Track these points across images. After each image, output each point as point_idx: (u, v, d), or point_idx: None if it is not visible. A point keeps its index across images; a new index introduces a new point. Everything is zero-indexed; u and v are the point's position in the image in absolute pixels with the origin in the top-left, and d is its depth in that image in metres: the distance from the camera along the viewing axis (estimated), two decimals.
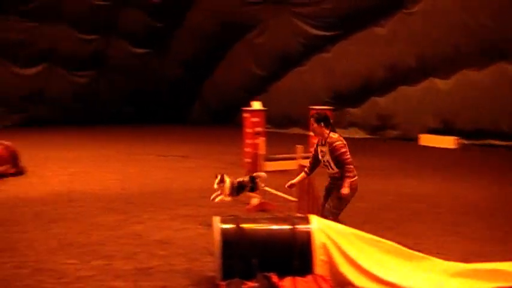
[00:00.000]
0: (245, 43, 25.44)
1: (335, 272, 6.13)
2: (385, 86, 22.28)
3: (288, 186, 8.09)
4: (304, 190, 8.74)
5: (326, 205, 7.51)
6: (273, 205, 10.25)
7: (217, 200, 9.29)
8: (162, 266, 7.24)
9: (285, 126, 24.49)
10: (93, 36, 26.41)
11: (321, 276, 6.03)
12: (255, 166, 11.09)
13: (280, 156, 12.52)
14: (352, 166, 7.31)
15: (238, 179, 9.54)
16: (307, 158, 10.48)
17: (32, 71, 25.92)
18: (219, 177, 9.30)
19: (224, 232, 6.26)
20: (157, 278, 6.84)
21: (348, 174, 7.23)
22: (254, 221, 6.70)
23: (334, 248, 6.16)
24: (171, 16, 26.46)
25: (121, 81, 27.53)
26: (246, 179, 9.62)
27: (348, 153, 7.32)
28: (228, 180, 9.29)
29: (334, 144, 7.26)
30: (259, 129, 14.71)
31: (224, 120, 27.06)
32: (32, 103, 26.11)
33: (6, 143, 14.06)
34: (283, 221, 6.60)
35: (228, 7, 24.72)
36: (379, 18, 21.88)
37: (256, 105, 15.14)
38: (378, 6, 21.52)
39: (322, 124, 7.39)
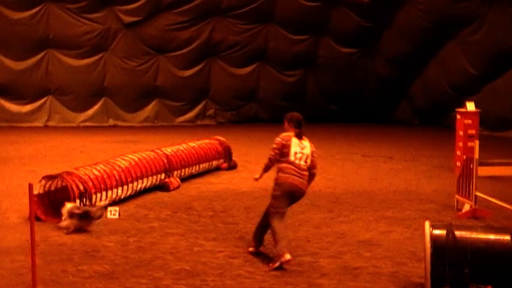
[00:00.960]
0: (458, 41, 24.34)
1: None
2: None
3: (255, 180, 8.17)
4: None
5: None
6: (486, 212, 9.69)
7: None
8: (367, 268, 7.17)
9: (500, 129, 23.01)
10: (303, 37, 26.99)
11: None
12: (466, 170, 10.55)
13: (496, 161, 11.78)
14: (269, 161, 7.84)
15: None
16: None
17: (246, 70, 27.17)
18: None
19: (435, 238, 6.03)
20: (362, 279, 6.79)
21: (263, 167, 7.92)
22: (468, 228, 6.36)
23: None
24: (380, 15, 26.19)
25: (328, 80, 27.85)
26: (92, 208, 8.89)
27: (275, 149, 7.77)
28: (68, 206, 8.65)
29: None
30: (472, 131, 13.99)
31: (432, 121, 26.16)
32: (245, 101, 27.43)
33: (221, 138, 14.87)
34: (502, 231, 6.19)
35: (440, 3, 23.84)
36: None
37: (470, 106, 14.40)
38: None
39: (291, 124, 7.95)
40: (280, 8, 25.95)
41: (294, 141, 7.73)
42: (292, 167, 7.51)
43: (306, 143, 7.79)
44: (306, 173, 7.56)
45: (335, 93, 28.00)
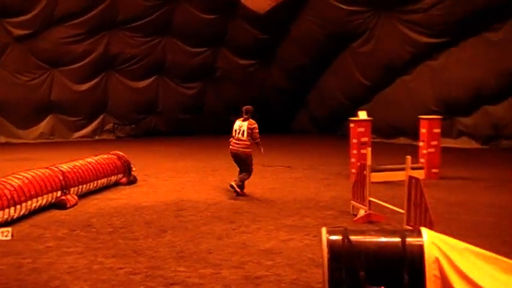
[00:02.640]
0: (350, 52, 25.20)
1: None
2: (498, 94, 21.34)
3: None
4: (412, 202, 8.52)
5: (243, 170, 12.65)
6: (380, 217, 10.06)
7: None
8: (269, 276, 7.26)
9: (391, 136, 24.00)
10: (201, 49, 27.04)
11: None
12: (361, 177, 10.92)
13: (388, 167, 12.26)
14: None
15: None
16: (417, 168, 10.23)
17: (144, 83, 26.88)
18: None
19: (332, 244, 6.18)
20: None
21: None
22: (362, 232, 6.57)
23: (447, 264, 5.92)
24: (276, 27, 26.67)
25: (227, 92, 28.03)
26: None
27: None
28: None
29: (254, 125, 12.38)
30: (365, 139, 14.51)
31: (329, 129, 26.91)
32: (144, 114, 27.12)
33: (120, 153, 14.63)
34: (393, 233, 6.43)
35: (333, 17, 24.59)
36: (492, 23, 20.98)
37: (362, 114, 14.94)
38: (491, 10, 20.62)
39: (249, 115, 12.52)
40: (177, 21, 25.88)
41: (237, 122, 12.61)
42: (233, 139, 12.53)
43: (244, 123, 12.41)
44: (242, 142, 12.36)
45: (235, 105, 28.20)
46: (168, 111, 27.37)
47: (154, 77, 26.98)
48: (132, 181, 14.28)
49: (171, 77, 27.25)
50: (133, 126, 26.99)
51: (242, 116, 12.53)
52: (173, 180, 14.77)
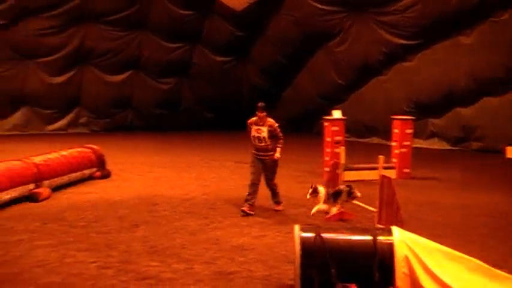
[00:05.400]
0: (326, 51, 25.30)
1: (417, 287, 5.98)
2: (469, 97, 21.59)
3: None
4: (384, 201, 8.60)
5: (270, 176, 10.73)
6: (352, 215, 10.13)
7: (313, 211, 9.38)
8: (241, 272, 7.29)
9: (364, 135, 24.18)
10: (177, 44, 26.94)
11: None
12: (333, 175, 10.99)
13: (360, 166, 12.35)
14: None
15: (335, 188, 9.91)
16: (388, 168, 10.36)
17: (120, 78, 26.69)
18: (312, 188, 9.36)
19: (304, 241, 6.23)
20: (236, 284, 6.89)
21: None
22: (334, 230, 6.63)
23: (416, 262, 6.01)
24: (252, 25, 26.66)
25: (203, 88, 27.96)
26: (343, 186, 9.92)
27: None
28: (322, 189, 9.51)
29: (275, 125, 10.53)
30: (339, 138, 14.60)
31: (304, 128, 26.97)
32: (119, 109, 26.93)
33: (94, 147, 14.54)
34: (365, 231, 6.50)
35: (309, 16, 24.65)
36: (464, 27, 21.25)
37: (337, 113, 15.03)
38: (463, 14, 20.89)
39: (266, 113, 10.56)
40: (153, 16, 25.73)
41: (253, 127, 10.76)
42: (255, 150, 10.82)
43: (263, 127, 10.57)
44: (266, 146, 10.63)
45: (211, 101, 28.15)
46: (144, 106, 27.20)
47: (130, 71, 26.79)
48: (106, 175, 14.19)
49: (147, 72, 27.08)
50: (108, 120, 26.78)
51: (256, 114, 10.68)
52: (147, 175, 14.71)
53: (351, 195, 9.68)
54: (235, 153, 19.42)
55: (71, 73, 25.79)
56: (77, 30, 25.08)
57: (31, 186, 11.39)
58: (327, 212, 9.70)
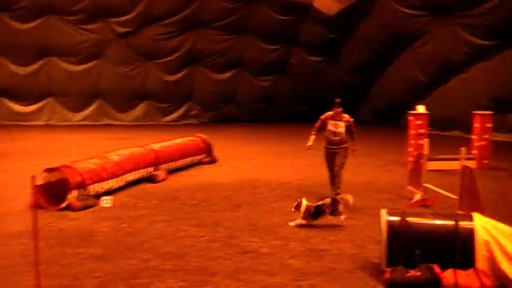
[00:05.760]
0: (411, 52, 24.58)
1: (496, 269, 5.74)
2: None
3: (308, 148, 10.15)
4: (465, 189, 8.26)
5: (337, 164, 10.00)
6: (435, 202, 9.82)
7: (292, 223, 8.35)
8: (331, 250, 7.24)
9: (446, 129, 23.31)
10: (276, 46, 27.05)
11: (482, 271, 5.68)
12: (417, 165, 10.68)
13: (443, 156, 11.93)
14: None
15: (317, 203, 8.50)
16: (470, 159, 9.92)
17: (225, 76, 27.15)
18: (296, 203, 8.43)
19: (390, 223, 6.12)
20: (327, 260, 6.85)
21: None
22: (419, 215, 6.45)
23: (495, 246, 5.77)
24: (343, 28, 26.34)
25: (298, 85, 27.96)
26: (327, 201, 8.54)
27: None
28: (304, 205, 8.35)
29: (351, 121, 10.07)
30: (422, 131, 14.16)
31: (389, 121, 26.37)
32: (224, 103, 27.40)
33: (203, 136, 14.85)
34: (447, 217, 6.29)
35: (396, 20, 24.02)
36: None
37: (421, 108, 14.57)
38: None
39: (342, 109, 9.96)
40: (255, 21, 25.95)
41: (329, 122, 10.07)
42: (329, 144, 10.26)
43: (340, 122, 10.01)
44: (341, 139, 10.08)
45: (304, 97, 28.09)
46: (246, 101, 27.56)
47: (234, 70, 27.18)
48: (213, 161, 14.47)
49: (249, 70, 27.39)
50: (215, 113, 27.31)
51: (333, 109, 10.09)
52: (249, 162, 14.87)
53: (335, 211, 8.42)
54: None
55: (184, 72, 26.49)
56: (189, 35, 25.72)
57: (150, 169, 11.79)
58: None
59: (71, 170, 9.46)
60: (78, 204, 9.07)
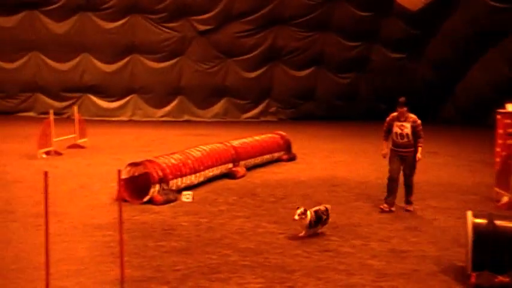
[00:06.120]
0: (499, 48, 23.50)
1: None
2: None
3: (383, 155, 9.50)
4: None
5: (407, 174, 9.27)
6: None
7: (302, 234, 7.59)
8: (413, 251, 7.06)
9: None
10: (357, 43, 26.67)
11: None
12: (505, 166, 10.20)
13: None
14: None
15: (315, 209, 7.78)
16: None
17: (304, 73, 27.06)
18: (301, 209, 7.56)
19: (476, 226, 5.88)
20: (409, 261, 6.69)
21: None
22: (507, 218, 6.16)
23: None
24: (426, 24, 25.56)
25: (378, 82, 27.43)
26: (322, 208, 7.90)
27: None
28: (309, 213, 7.55)
29: (418, 122, 9.23)
30: (511, 130, 13.49)
31: (474, 120, 25.36)
32: (303, 100, 27.32)
33: (282, 133, 14.86)
34: None
35: (483, 14, 23.04)
36: None
37: (510, 107, 13.89)
38: None
39: (406, 108, 9.22)
40: (336, 18, 25.67)
41: (395, 123, 9.41)
42: (394, 146, 9.43)
43: (406, 123, 9.27)
44: (408, 142, 9.32)
45: (385, 94, 27.51)
46: (325, 98, 27.32)
47: (314, 67, 27.03)
48: (292, 158, 14.46)
49: (329, 67, 27.14)
50: (293, 110, 27.29)
51: (397, 110, 9.39)
52: (327, 159, 14.75)
53: (327, 220, 7.81)
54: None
55: (263, 69, 26.62)
56: (269, 32, 25.81)
57: (230, 165, 11.93)
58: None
59: (153, 164, 9.72)
60: (160, 198, 9.32)
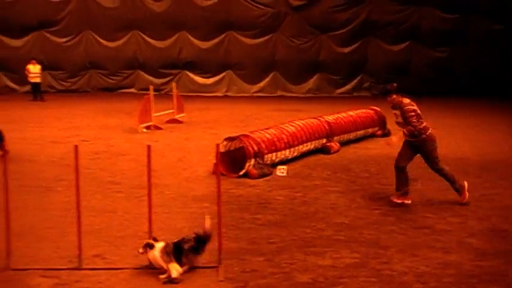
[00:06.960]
0: None
1: None
2: None
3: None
4: None
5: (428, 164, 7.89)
6: None
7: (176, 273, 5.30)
8: None
9: None
10: (454, 16, 25.49)
11: None
12: None
13: None
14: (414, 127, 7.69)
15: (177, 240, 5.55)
16: None
17: (400, 47, 26.27)
18: (145, 242, 5.45)
19: None
20: (509, 241, 6.38)
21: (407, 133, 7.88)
22: None
23: None
24: None
25: (475, 56, 26.10)
26: (189, 236, 5.56)
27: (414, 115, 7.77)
28: (159, 245, 5.40)
29: (405, 108, 7.83)
30: None
31: None
32: (398, 75, 26.52)
33: (377, 108, 14.56)
34: None
35: None
36: None
37: None
38: None
39: (400, 94, 8.01)
40: None
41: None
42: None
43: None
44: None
45: (482, 68, 26.17)
46: (420, 72, 26.43)
47: (409, 41, 26.18)
48: (386, 134, 14.14)
49: (424, 41, 26.19)
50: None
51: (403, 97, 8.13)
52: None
53: (199, 249, 5.50)
54: (506, 118, 17.92)
55: (357, 44, 26.13)
56: (363, 7, 25.30)
57: (324, 140, 11.87)
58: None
59: (249, 139, 9.85)
60: (255, 172, 9.44)
